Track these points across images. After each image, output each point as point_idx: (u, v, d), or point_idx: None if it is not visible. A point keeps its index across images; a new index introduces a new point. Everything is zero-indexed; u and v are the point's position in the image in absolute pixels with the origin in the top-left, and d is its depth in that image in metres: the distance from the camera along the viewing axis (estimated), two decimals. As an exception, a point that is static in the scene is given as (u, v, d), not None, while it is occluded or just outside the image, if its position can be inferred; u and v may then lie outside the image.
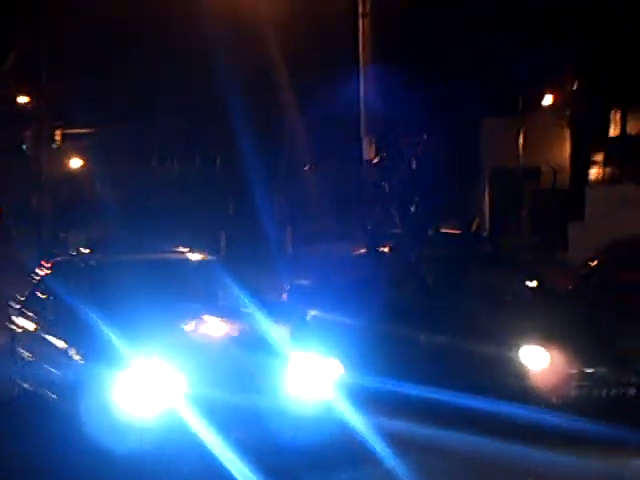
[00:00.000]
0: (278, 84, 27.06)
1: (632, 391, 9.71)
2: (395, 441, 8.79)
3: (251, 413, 8.26)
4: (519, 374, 9.54)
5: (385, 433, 8.92)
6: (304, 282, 13.13)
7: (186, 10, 26.76)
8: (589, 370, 9.59)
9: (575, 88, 27.36)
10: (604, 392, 9.59)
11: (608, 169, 26.72)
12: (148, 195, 30.87)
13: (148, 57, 28.72)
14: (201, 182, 30.32)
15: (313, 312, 12.05)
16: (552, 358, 9.51)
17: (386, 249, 12.23)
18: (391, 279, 11.62)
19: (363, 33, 22.88)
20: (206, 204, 28.60)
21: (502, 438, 8.97)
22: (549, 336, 9.69)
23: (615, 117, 27.90)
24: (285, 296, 13.12)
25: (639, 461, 8.55)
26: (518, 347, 9.58)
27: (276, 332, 9.24)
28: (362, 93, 22.37)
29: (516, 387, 9.49)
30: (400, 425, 9.46)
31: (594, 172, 27.04)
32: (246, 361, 8.59)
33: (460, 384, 9.65)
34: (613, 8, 24.27)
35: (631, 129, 27.47)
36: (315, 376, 8.70)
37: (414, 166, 25.11)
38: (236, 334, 9.44)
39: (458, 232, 14.92)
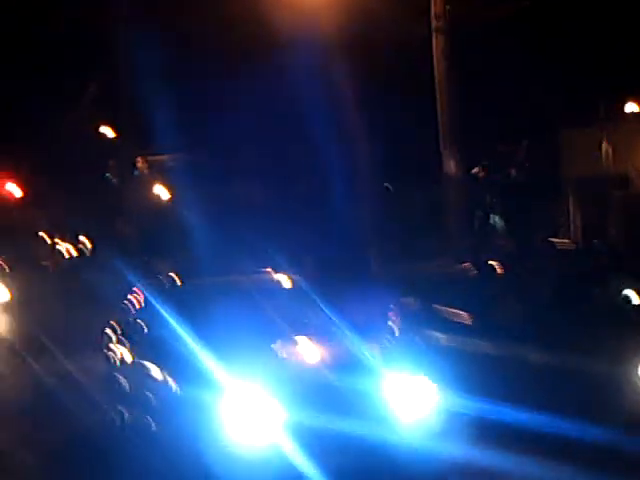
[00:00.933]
0: (354, 100, 27.03)
1: None
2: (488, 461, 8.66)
3: (355, 440, 8.16)
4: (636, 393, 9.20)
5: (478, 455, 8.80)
6: (410, 302, 12.94)
7: (273, 40, 26.89)
8: None
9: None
10: None
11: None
12: (234, 220, 30.98)
13: (228, 81, 28.88)
14: (285, 204, 30.34)
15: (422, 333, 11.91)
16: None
17: (496, 265, 11.98)
18: (501, 296, 11.41)
19: (437, 47, 22.82)
20: (290, 227, 28.60)
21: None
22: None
23: None
24: (393, 317, 12.94)
25: None
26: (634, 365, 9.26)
27: (370, 353, 9.22)
28: (439, 107, 22.24)
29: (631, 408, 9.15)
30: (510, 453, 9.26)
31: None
32: (343, 386, 8.55)
33: (575, 407, 9.40)
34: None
35: None
36: (416, 398, 8.60)
37: (514, 176, 24.96)
38: (333, 358, 9.39)
39: (571, 245, 14.61)
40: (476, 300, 11.56)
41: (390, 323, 12.69)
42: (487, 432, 9.77)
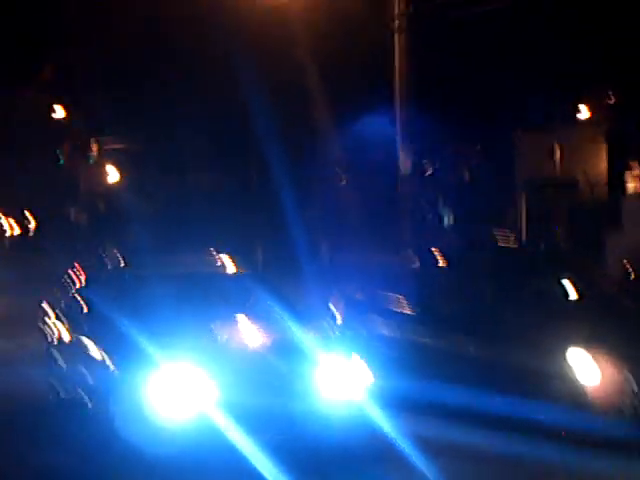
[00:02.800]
0: (310, 95, 27.06)
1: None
2: (426, 445, 8.85)
3: (282, 416, 8.43)
4: (569, 381, 9.34)
5: (417, 437, 9.01)
6: (357, 293, 13.07)
7: (218, 25, 26.84)
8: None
9: (612, 101, 27.19)
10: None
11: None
12: (183, 207, 30.93)
13: (180, 70, 28.84)
14: (235, 194, 30.35)
15: (363, 321, 12.04)
16: (603, 364, 9.33)
17: (442, 262, 12.13)
18: (447, 291, 11.52)
19: (399, 49, 22.87)
20: (240, 216, 28.62)
21: (541, 444, 8.90)
22: (600, 342, 9.51)
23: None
24: (338, 307, 13.01)
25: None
26: (567, 353, 9.40)
27: (308, 338, 9.39)
28: (398, 109, 22.31)
29: (567, 396, 9.31)
30: (433, 430, 9.54)
31: (631, 185, 26.83)
32: (277, 365, 8.77)
33: (507, 391, 9.56)
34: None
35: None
36: (346, 379, 8.83)
37: (466, 175, 25.15)
38: (269, 340, 9.58)
39: (514, 246, 14.82)
40: (419, 290, 11.67)
41: (334, 309, 12.85)
42: (417, 412, 10.06)
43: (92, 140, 34.99)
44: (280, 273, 20.32)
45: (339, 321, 12.63)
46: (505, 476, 8.37)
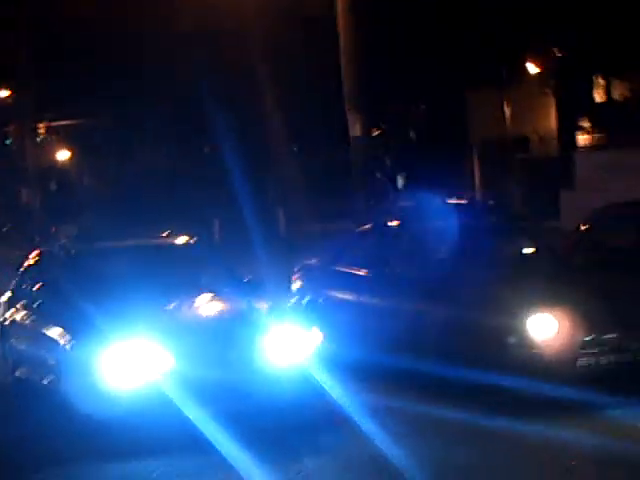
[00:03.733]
0: (259, 65, 26.95)
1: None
2: (375, 410, 9.06)
3: (232, 385, 8.53)
4: (526, 343, 9.36)
5: (367, 402, 9.26)
6: (312, 262, 13.07)
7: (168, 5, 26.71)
8: (599, 336, 9.42)
9: (559, 56, 27.29)
10: (613, 358, 9.44)
11: (595, 135, 26.69)
12: (136, 185, 30.78)
13: (132, 48, 28.58)
14: (190, 170, 30.27)
15: (319, 291, 12.05)
16: (560, 325, 9.35)
17: (394, 224, 12.09)
18: (397, 253, 11.49)
19: (342, 8, 22.71)
20: (196, 192, 28.57)
21: (493, 407, 8.99)
22: (555, 303, 9.52)
23: (600, 83, 27.86)
24: (295, 277, 13.00)
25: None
26: (524, 315, 9.41)
27: (260, 307, 9.52)
28: (343, 69, 22.14)
29: (522, 357, 9.32)
30: (384, 394, 9.68)
31: (581, 139, 27.01)
32: (228, 335, 8.84)
33: (463, 355, 9.58)
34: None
35: (616, 95, 27.45)
36: (298, 346, 8.91)
37: (413, 137, 25.17)
38: (221, 310, 9.73)
39: (464, 202, 14.78)
40: (376, 257, 11.64)
41: (290, 277, 12.87)
42: (369, 377, 10.23)
43: (40, 119, 34.64)
44: (235, 244, 20.33)
45: (294, 289, 12.67)
46: (453, 440, 8.43)
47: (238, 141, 25.63)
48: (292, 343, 8.91)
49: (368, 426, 8.63)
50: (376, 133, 21.59)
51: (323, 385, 9.02)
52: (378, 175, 21.82)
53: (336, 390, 9.24)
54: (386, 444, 8.13)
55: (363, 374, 10.30)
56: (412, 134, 23.37)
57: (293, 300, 12.21)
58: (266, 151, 28.54)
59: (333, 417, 9.00)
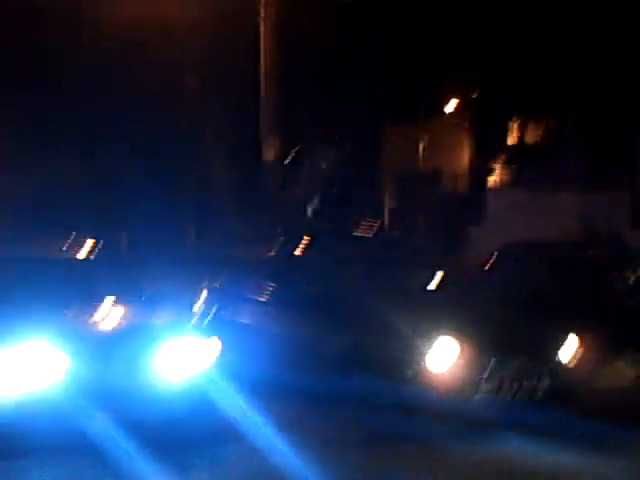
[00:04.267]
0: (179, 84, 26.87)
1: (546, 381, 9.83)
2: (271, 425, 9.07)
3: (127, 396, 8.51)
4: (427, 369, 9.51)
5: (262, 418, 9.24)
6: (220, 280, 13.11)
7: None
8: (504, 360, 9.67)
9: (475, 96, 27.72)
10: (514, 385, 9.69)
11: (507, 174, 27.12)
12: (43, 191, 30.29)
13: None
14: (100, 178, 29.89)
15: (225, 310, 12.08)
16: (464, 349, 9.52)
17: (298, 252, 12.22)
18: (303, 278, 11.57)
19: (265, 35, 22.86)
20: (107, 201, 28.26)
21: (390, 426, 9.11)
22: (460, 328, 9.69)
23: (514, 125, 28.35)
24: (201, 294, 12.99)
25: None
26: (425, 341, 9.56)
27: (159, 320, 9.60)
28: (263, 95, 22.27)
29: (423, 380, 9.48)
30: (279, 410, 9.67)
31: (493, 178, 27.42)
32: (126, 347, 8.84)
33: (364, 376, 9.71)
34: (514, 18, 24.65)
35: (528, 137, 27.96)
36: (196, 361, 8.92)
37: (333, 165, 25.30)
38: (120, 322, 9.68)
39: (371, 235, 15.03)
40: (282, 281, 11.71)
41: (195, 294, 12.84)
42: (267, 394, 10.10)
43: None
44: (143, 257, 20.17)
45: (197, 305, 12.65)
46: (352, 457, 8.52)
47: (150, 154, 25.50)
48: (190, 356, 8.91)
49: (266, 441, 8.64)
50: (293, 158, 21.67)
51: (221, 399, 9.03)
52: (289, 201, 21.92)
53: (234, 404, 9.25)
54: (283, 459, 8.16)
55: (263, 390, 10.33)
56: (333, 162, 23.49)
57: (197, 317, 12.21)
58: (177, 168, 28.41)
59: (230, 431, 8.96)
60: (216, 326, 11.65)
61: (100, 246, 11.49)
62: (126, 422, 8.29)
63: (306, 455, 8.35)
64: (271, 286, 11.69)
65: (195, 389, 8.81)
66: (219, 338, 9.37)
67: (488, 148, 27.34)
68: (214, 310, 12.22)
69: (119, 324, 9.65)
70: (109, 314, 9.82)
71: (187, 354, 8.90)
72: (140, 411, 8.49)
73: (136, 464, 7.90)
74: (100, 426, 8.17)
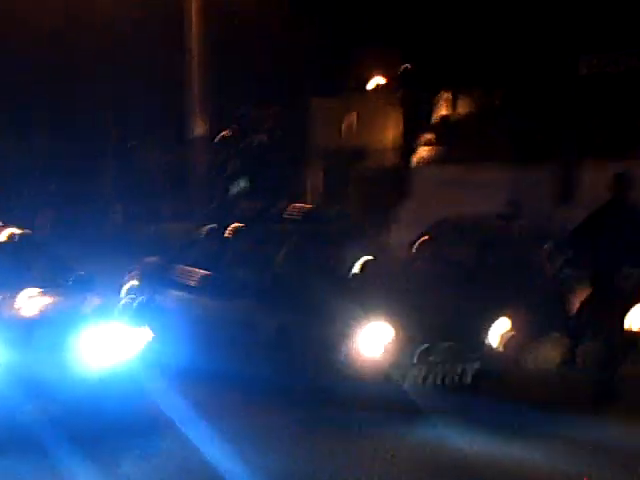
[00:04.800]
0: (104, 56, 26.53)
1: (476, 365, 9.86)
2: (200, 411, 9.11)
3: (50, 384, 8.42)
4: (359, 351, 9.48)
5: (185, 401, 9.29)
6: (151, 261, 12.96)
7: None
8: (434, 346, 9.67)
9: (404, 71, 27.69)
10: (447, 368, 9.71)
11: (436, 150, 27.14)
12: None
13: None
14: (21, 161, 29.49)
15: (156, 291, 11.95)
16: (393, 334, 9.50)
17: (233, 227, 12.08)
18: (234, 257, 11.47)
19: (190, 13, 22.54)
20: (28, 183, 27.90)
21: (322, 413, 9.11)
22: (389, 312, 9.66)
23: (444, 99, 28.36)
24: (131, 276, 12.81)
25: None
26: (358, 323, 9.52)
27: (87, 304, 9.47)
28: (189, 69, 21.98)
29: (354, 364, 9.46)
30: (208, 396, 9.74)
31: (424, 152, 27.42)
32: (49, 334, 8.70)
33: (295, 361, 9.68)
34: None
35: (460, 110, 27.99)
36: (123, 347, 8.82)
37: (263, 141, 25.14)
38: (42, 308, 9.54)
39: (299, 215, 14.88)
40: (215, 261, 11.62)
41: (125, 279, 12.72)
42: (198, 381, 10.25)
43: None
44: (71, 238, 19.98)
45: (129, 288, 12.52)
46: (283, 441, 8.51)
47: (72, 135, 25.17)
48: (117, 342, 8.79)
49: (195, 431, 8.59)
50: (226, 134, 21.47)
51: (149, 387, 8.91)
52: (221, 177, 21.73)
53: (163, 392, 9.16)
54: (213, 449, 8.12)
55: (192, 377, 10.28)
56: (263, 137, 23.31)
57: (126, 299, 12.10)
58: (102, 146, 28.12)
59: (158, 420, 8.91)
60: (149, 307, 11.57)
61: (25, 229, 11.20)
62: (45, 411, 8.24)
63: (236, 443, 8.34)
64: (199, 269, 11.60)
65: (122, 376, 8.66)
66: (152, 321, 9.27)
67: (417, 123, 27.33)
68: (143, 296, 12.11)
69: (43, 309, 9.47)
70: (33, 299, 9.63)
71: (114, 340, 8.77)
72: (64, 397, 8.40)
73: (61, 453, 7.83)
74: (24, 413, 8.11)
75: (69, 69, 26.18)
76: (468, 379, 9.87)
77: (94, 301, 9.55)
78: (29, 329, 8.76)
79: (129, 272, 12.95)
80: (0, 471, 7.74)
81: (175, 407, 9.11)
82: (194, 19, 21.76)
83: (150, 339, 9.05)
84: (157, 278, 12.27)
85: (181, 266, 12.02)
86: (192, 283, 11.54)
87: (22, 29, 25.61)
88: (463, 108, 27.69)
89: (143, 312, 11.43)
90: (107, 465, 7.88)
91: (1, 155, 28.81)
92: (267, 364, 10.00)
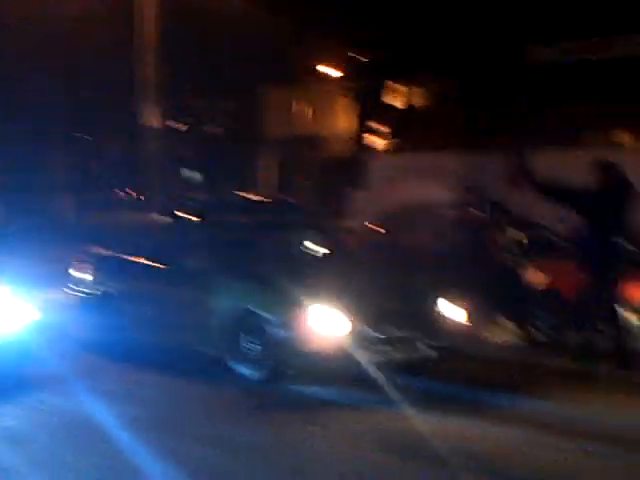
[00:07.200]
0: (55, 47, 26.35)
1: (426, 351, 9.94)
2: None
3: None
4: (307, 337, 9.54)
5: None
6: (101, 250, 12.88)
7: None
8: (387, 334, 9.71)
9: (359, 59, 27.75)
10: (400, 355, 9.75)
11: (390, 138, 27.24)
12: None
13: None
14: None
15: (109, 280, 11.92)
16: (345, 319, 9.52)
17: (187, 216, 12.07)
18: (187, 245, 11.42)
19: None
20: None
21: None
22: (340, 297, 9.69)
23: (399, 89, 28.47)
24: (84, 267, 12.71)
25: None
26: (305, 309, 9.56)
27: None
28: (139, 61, 21.87)
29: (302, 350, 9.51)
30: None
31: (378, 142, 27.50)
32: None
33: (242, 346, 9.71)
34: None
35: (414, 100, 28.11)
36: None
37: (213, 131, 25.13)
38: None
39: (261, 199, 14.91)
40: (169, 249, 11.57)
41: (74, 270, 12.60)
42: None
43: None
44: (18, 229, 19.80)
45: (77, 282, 12.42)
46: (229, 423, 8.53)
47: (27, 126, 24.95)
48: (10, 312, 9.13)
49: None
50: (179, 125, 21.45)
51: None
52: (177, 168, 21.69)
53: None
54: (122, 435, 8.02)
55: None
56: (212, 127, 23.28)
57: (79, 293, 12.06)
58: (53, 136, 27.89)
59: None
60: (101, 306, 11.49)
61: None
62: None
63: (137, 425, 8.30)
64: (151, 259, 11.55)
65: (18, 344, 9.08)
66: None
67: (371, 112, 27.41)
68: (98, 291, 12.03)
69: None
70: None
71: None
72: None
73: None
74: None
75: (18, 59, 25.97)
76: (418, 364, 9.94)
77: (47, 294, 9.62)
78: None
79: (76, 260, 12.82)
80: None
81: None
82: (146, 11, 21.72)
83: (37, 318, 9.25)
84: (111, 272, 12.18)
85: (134, 257, 11.95)
86: (145, 274, 11.50)
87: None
88: (417, 97, 27.80)
89: (100, 306, 11.49)
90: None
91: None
92: (223, 344, 10.02)
